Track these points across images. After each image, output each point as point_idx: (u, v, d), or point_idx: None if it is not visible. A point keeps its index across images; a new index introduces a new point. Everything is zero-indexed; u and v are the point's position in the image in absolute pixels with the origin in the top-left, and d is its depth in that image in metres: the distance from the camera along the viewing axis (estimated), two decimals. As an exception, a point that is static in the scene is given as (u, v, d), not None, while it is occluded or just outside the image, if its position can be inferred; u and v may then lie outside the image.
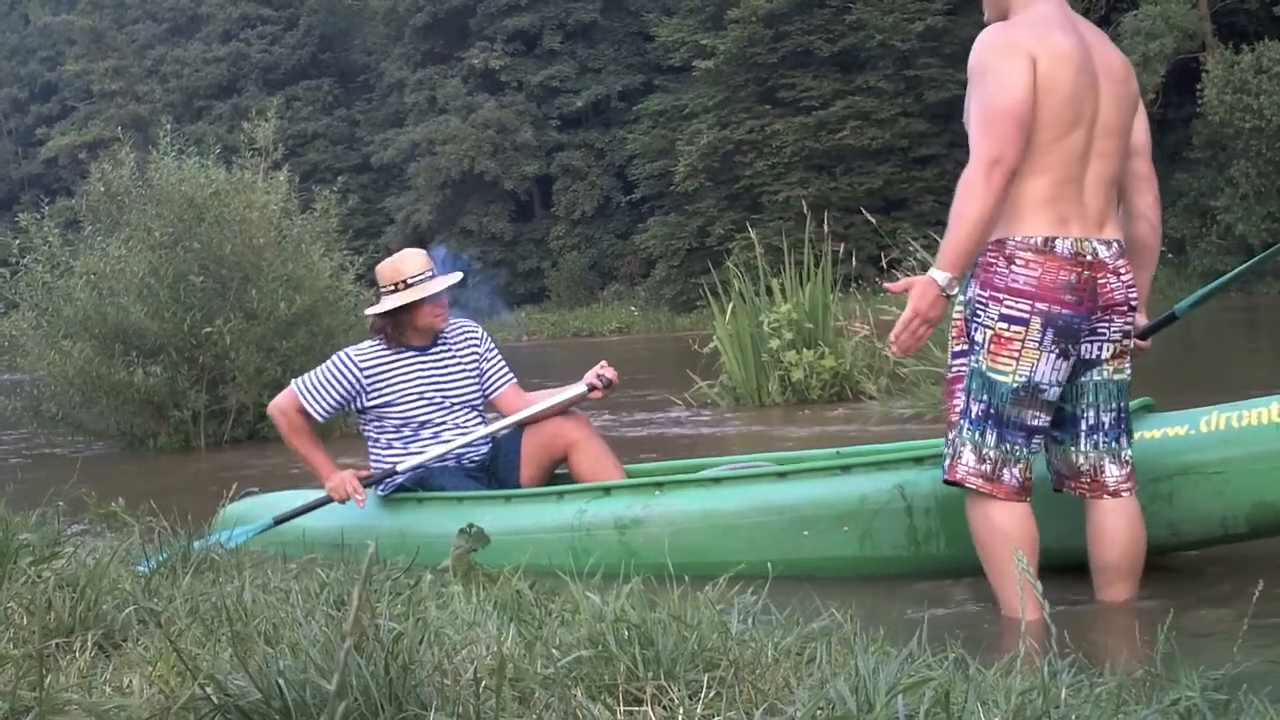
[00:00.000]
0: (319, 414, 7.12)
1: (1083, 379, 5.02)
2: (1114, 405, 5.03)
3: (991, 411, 4.98)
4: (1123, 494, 5.01)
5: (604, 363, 7.20)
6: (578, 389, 7.09)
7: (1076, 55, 4.91)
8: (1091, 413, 5.04)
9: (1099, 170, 4.93)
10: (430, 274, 7.13)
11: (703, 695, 2.80)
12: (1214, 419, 5.33)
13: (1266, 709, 2.81)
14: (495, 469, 7.16)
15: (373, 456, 7.21)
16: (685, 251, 53.82)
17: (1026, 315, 4.88)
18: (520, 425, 7.17)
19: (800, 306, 14.54)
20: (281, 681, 2.54)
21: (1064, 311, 4.86)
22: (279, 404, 7.26)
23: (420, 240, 55.12)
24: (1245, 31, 38.50)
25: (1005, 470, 4.97)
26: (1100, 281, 4.87)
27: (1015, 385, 4.92)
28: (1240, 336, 22.27)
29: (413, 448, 7.08)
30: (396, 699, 2.54)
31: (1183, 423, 5.43)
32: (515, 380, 7.39)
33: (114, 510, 5.81)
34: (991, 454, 4.97)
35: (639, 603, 3.38)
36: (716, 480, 6.34)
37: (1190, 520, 5.32)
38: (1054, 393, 4.95)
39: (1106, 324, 4.94)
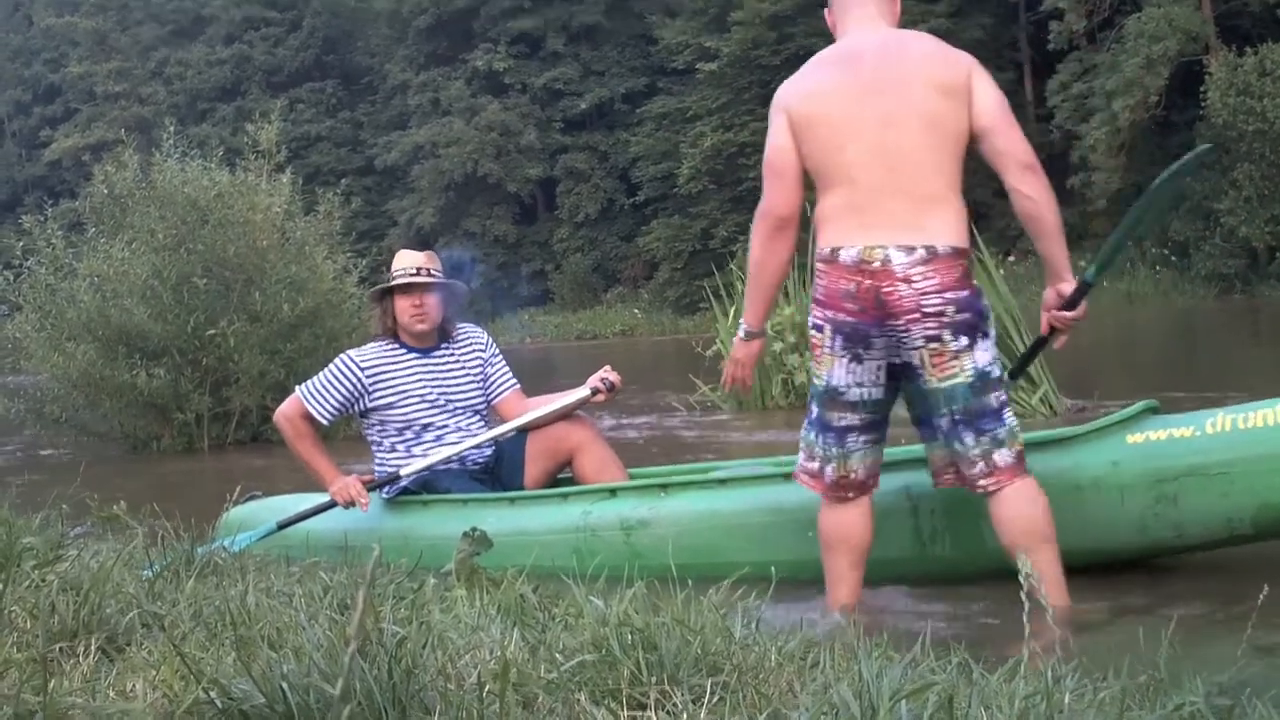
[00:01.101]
0: (323, 417, 7.14)
1: (911, 386, 5.20)
2: (945, 410, 5.11)
3: (814, 413, 5.35)
4: (989, 489, 5.11)
5: (608, 366, 7.22)
6: (581, 393, 7.10)
7: (843, 83, 5.22)
8: (930, 417, 5.21)
9: (903, 174, 5.07)
10: (418, 272, 7.18)
11: (706, 700, 2.80)
12: (1220, 421, 5.33)
13: (1270, 714, 2.81)
14: (499, 472, 7.16)
15: (376, 460, 7.24)
16: (689, 254, 53.92)
17: (821, 323, 5.20)
18: (524, 429, 7.18)
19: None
20: (285, 685, 2.54)
21: (846, 319, 5.09)
22: (283, 410, 7.29)
23: (424, 243, 55.15)
24: (1249, 34, 38.50)
25: (825, 468, 5.31)
26: (885, 290, 4.99)
27: (821, 388, 5.27)
28: (1243, 338, 22.27)
29: (415, 451, 7.10)
30: (400, 703, 2.54)
31: (1188, 424, 5.42)
32: (519, 386, 7.42)
33: (117, 513, 5.81)
34: (817, 452, 5.34)
35: (642, 607, 3.38)
36: (723, 481, 6.35)
37: (1195, 522, 5.31)
38: (855, 394, 5.19)
39: (905, 332, 5.02)
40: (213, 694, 2.54)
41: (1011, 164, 5.05)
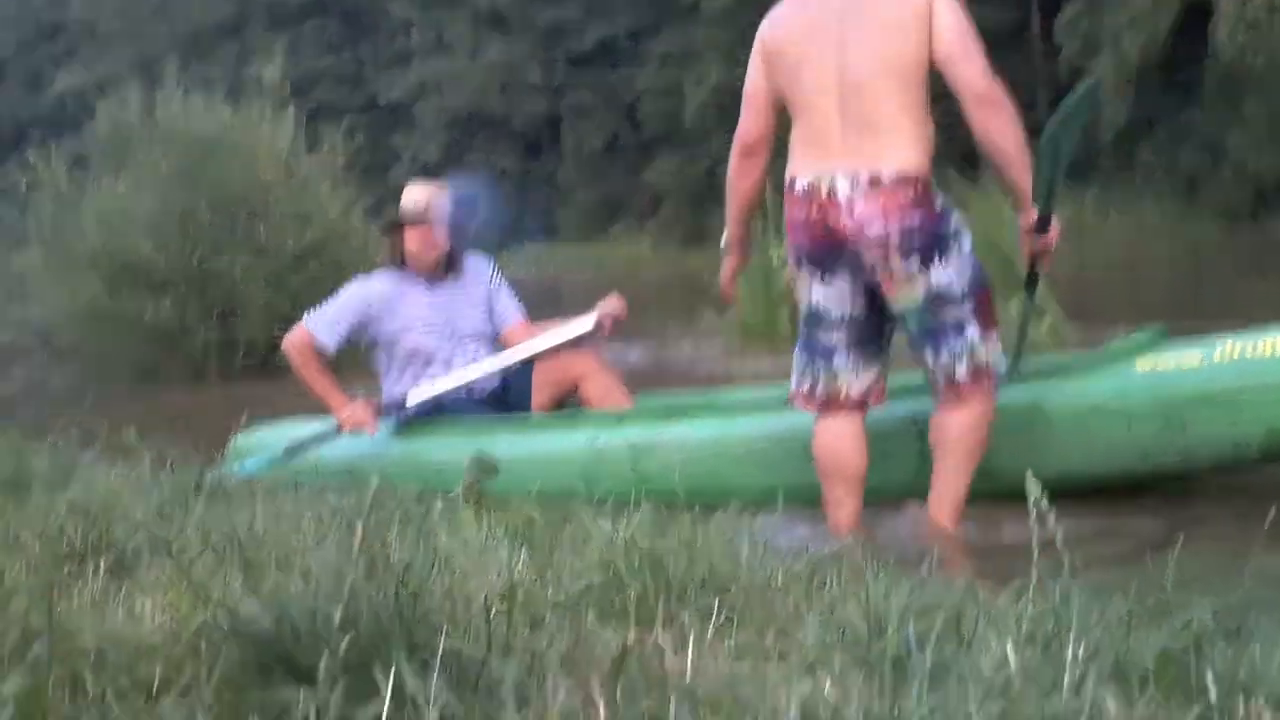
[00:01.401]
0: (330, 343, 7.17)
1: (887, 306, 5.32)
2: (909, 327, 5.31)
3: (803, 334, 5.53)
4: (949, 402, 5.32)
5: (612, 296, 7.23)
6: (585, 324, 7.12)
7: (806, 13, 5.42)
8: (909, 331, 5.34)
9: (857, 106, 5.20)
10: (426, 207, 7.20)
11: (713, 620, 2.80)
12: (1229, 347, 5.35)
13: (1276, 633, 2.81)
14: (507, 399, 7.20)
15: (384, 388, 7.25)
16: (694, 189, 53.75)
17: (790, 249, 5.45)
18: (530, 359, 7.20)
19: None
20: (292, 608, 2.54)
21: (804, 244, 5.33)
22: (290, 338, 7.32)
23: (429, 178, 54.98)
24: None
25: (816, 387, 5.47)
26: (831, 218, 5.20)
27: (805, 311, 5.46)
28: (1250, 270, 22.23)
29: (421, 380, 7.12)
30: (406, 625, 2.54)
31: (1196, 350, 5.43)
32: (524, 317, 7.42)
33: (125, 440, 5.83)
34: (807, 372, 5.51)
35: (650, 529, 3.39)
36: (730, 407, 6.38)
37: (1203, 447, 5.34)
38: (836, 313, 5.36)
39: (856, 258, 5.21)
40: (219, 616, 2.54)
41: (967, 95, 5.09)
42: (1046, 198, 5.28)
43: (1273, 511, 3.58)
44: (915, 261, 5.12)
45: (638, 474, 6.15)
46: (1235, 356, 5.31)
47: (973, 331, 5.21)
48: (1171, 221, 37.71)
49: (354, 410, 7.06)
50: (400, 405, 7.11)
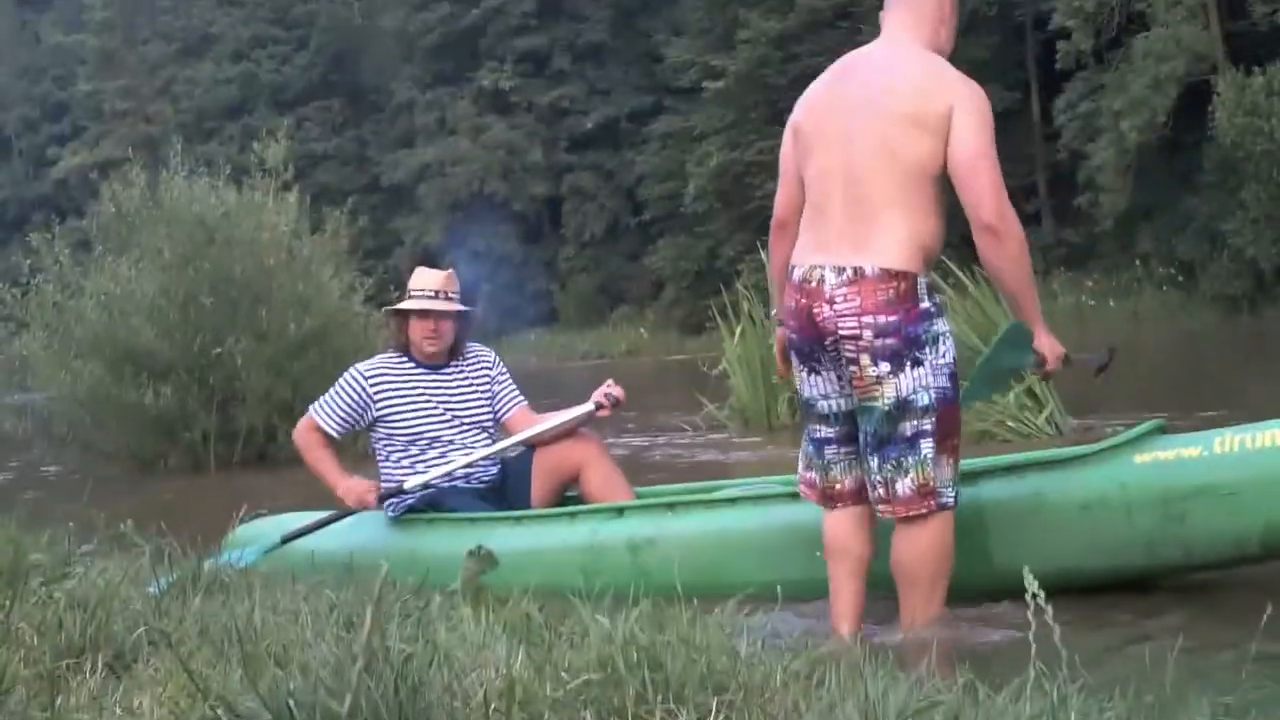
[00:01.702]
0: (332, 429, 7.20)
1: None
2: (864, 428, 5.17)
3: (804, 422, 5.50)
4: (884, 515, 5.18)
5: (611, 381, 7.25)
6: (585, 408, 7.13)
7: (827, 95, 5.36)
8: (862, 431, 5.19)
9: (855, 197, 5.11)
10: (436, 295, 7.21)
11: (711, 719, 2.80)
12: (1228, 440, 5.33)
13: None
14: (506, 490, 7.19)
15: (382, 474, 7.25)
16: (695, 273, 53.81)
17: (786, 337, 5.43)
18: (530, 445, 7.21)
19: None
20: (291, 703, 2.54)
21: (792, 335, 5.29)
22: (298, 427, 7.41)
23: (430, 261, 55.11)
24: (1257, 54, 38.41)
25: (815, 477, 5.42)
26: (815, 309, 5.10)
27: (800, 400, 5.47)
28: (1249, 360, 22.25)
29: (420, 466, 7.12)
30: (406, 721, 2.54)
31: (1196, 444, 5.41)
32: (525, 402, 7.44)
33: (124, 532, 5.82)
34: (808, 463, 5.45)
35: (648, 625, 3.38)
36: (731, 501, 6.37)
37: (1203, 542, 5.32)
38: (823, 406, 5.28)
39: (834, 351, 5.10)
40: (219, 711, 2.54)
41: (973, 220, 4.98)
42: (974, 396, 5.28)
43: (1269, 608, 3.57)
44: (885, 365, 5.00)
45: (638, 567, 6.13)
46: (1235, 449, 5.29)
47: (927, 447, 5.05)
48: (1170, 310, 37.78)
49: (351, 485, 7.08)
50: (398, 491, 7.10)
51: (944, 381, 5.06)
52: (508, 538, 6.44)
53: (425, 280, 7.31)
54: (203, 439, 16.23)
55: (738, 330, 15.07)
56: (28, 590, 4.12)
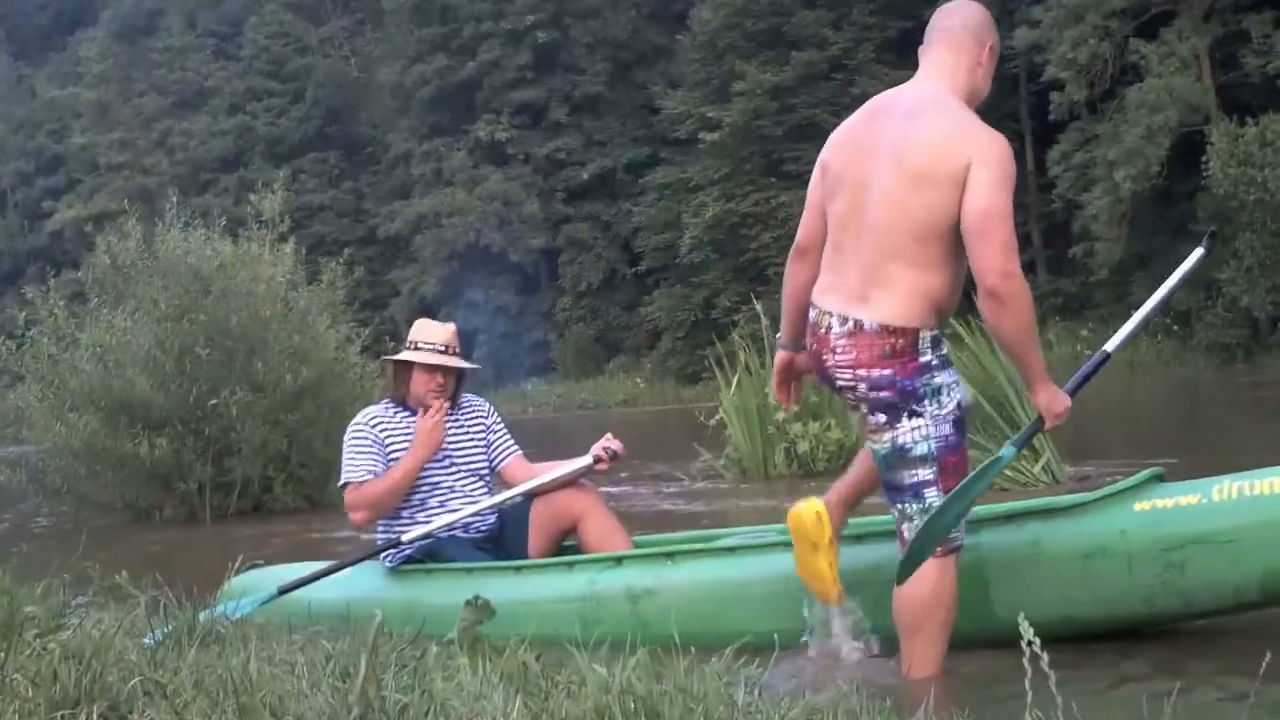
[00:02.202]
0: (369, 474, 7.07)
1: None
2: (880, 471, 5.25)
3: None
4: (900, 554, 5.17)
5: (609, 435, 7.23)
6: (583, 461, 7.11)
7: (853, 136, 5.33)
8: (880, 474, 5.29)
9: (868, 242, 5.12)
10: (445, 350, 7.18)
11: (709, 768, 2.79)
12: (1226, 488, 5.32)
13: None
14: (503, 540, 7.16)
15: (380, 524, 7.22)
16: (691, 323, 53.87)
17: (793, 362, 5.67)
18: (528, 496, 7.19)
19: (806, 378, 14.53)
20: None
21: (815, 372, 5.37)
22: (349, 503, 7.20)
23: (426, 312, 55.23)
24: (1250, 105, 38.56)
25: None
26: (822, 355, 5.20)
27: None
28: (1245, 409, 22.26)
29: (420, 516, 7.09)
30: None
31: (1194, 492, 5.40)
32: (520, 452, 7.43)
33: (119, 583, 5.81)
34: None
35: (645, 674, 3.37)
36: (730, 550, 6.35)
37: (1203, 590, 5.31)
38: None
39: (841, 396, 5.28)
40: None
41: (979, 282, 4.92)
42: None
43: (1268, 656, 3.57)
44: (881, 416, 5.06)
45: (637, 618, 6.12)
46: (1233, 496, 5.28)
47: (932, 496, 5.06)
48: (1165, 359, 37.84)
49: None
50: (394, 544, 7.07)
51: (946, 430, 5.07)
52: (506, 588, 6.42)
53: (434, 334, 7.26)
54: (198, 490, 16.20)
55: (734, 380, 15.07)
56: (22, 642, 4.11)
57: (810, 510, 5.49)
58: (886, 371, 5.00)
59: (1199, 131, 38.67)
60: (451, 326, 7.42)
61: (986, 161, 4.93)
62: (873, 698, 3.61)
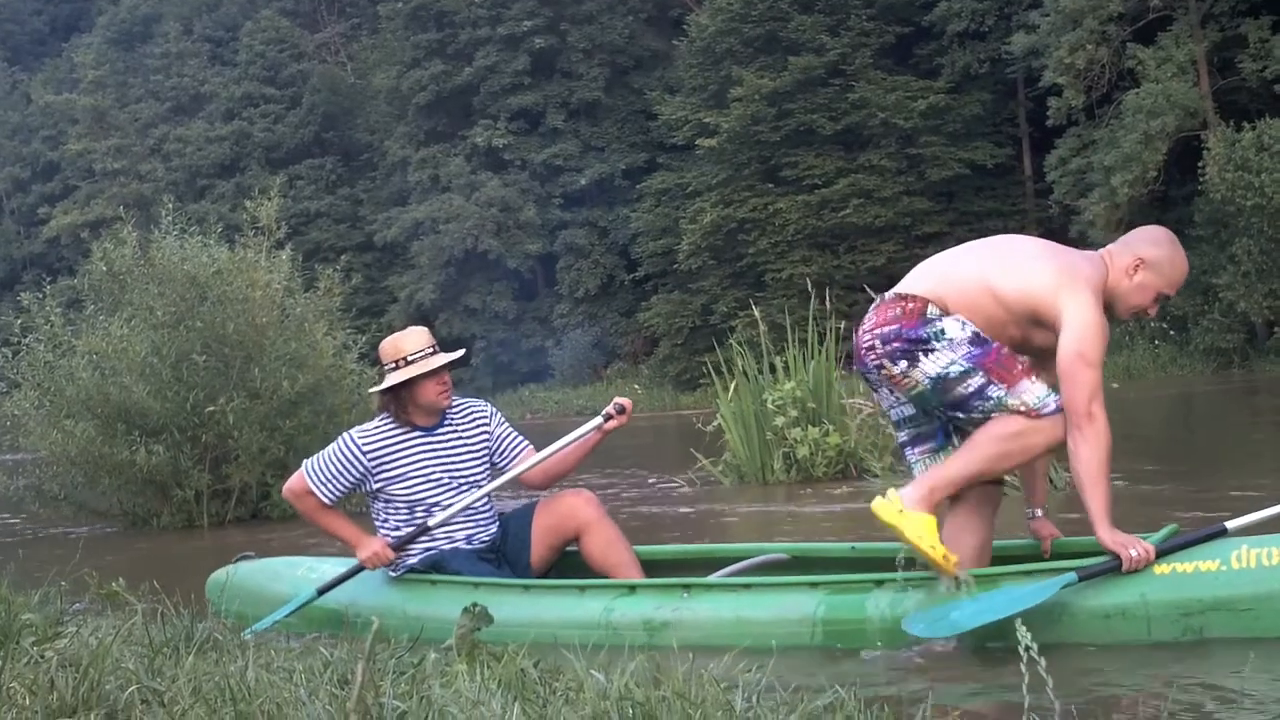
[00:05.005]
0: (326, 496, 7.12)
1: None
2: (934, 406, 5.79)
3: None
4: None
5: (617, 397, 7.24)
6: (594, 421, 7.13)
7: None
8: (939, 417, 5.89)
9: (946, 266, 5.94)
10: (431, 350, 7.14)
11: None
12: (1245, 554, 5.43)
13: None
14: (505, 550, 7.15)
15: (387, 535, 7.19)
16: (689, 329, 53.88)
17: None
18: (534, 487, 7.34)
19: (804, 384, 14.52)
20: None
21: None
22: (291, 488, 7.28)
23: (424, 319, 55.24)
24: (1246, 109, 38.61)
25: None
26: (859, 338, 5.85)
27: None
28: (1242, 416, 22.25)
29: (423, 538, 7.08)
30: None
31: (1214, 557, 5.50)
32: (530, 445, 7.41)
33: (116, 590, 5.80)
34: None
35: (643, 680, 3.37)
36: (747, 585, 6.31)
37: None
38: (894, 414, 6.02)
39: (868, 378, 5.94)
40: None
41: (1068, 412, 5.49)
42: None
43: (1252, 656, 3.56)
44: (903, 361, 5.60)
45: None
46: (1252, 564, 5.39)
47: (996, 391, 5.53)
48: (1162, 364, 37.86)
49: (373, 550, 7.04)
50: (419, 532, 7.05)
51: (966, 349, 5.58)
52: (515, 607, 6.39)
53: (416, 342, 7.20)
54: (195, 497, 16.15)
55: (731, 386, 15.04)
56: (19, 650, 4.10)
57: (878, 503, 5.81)
58: (893, 326, 5.62)
59: (1196, 137, 38.74)
60: (422, 328, 7.41)
61: (1078, 307, 5.66)
62: (870, 703, 3.61)
